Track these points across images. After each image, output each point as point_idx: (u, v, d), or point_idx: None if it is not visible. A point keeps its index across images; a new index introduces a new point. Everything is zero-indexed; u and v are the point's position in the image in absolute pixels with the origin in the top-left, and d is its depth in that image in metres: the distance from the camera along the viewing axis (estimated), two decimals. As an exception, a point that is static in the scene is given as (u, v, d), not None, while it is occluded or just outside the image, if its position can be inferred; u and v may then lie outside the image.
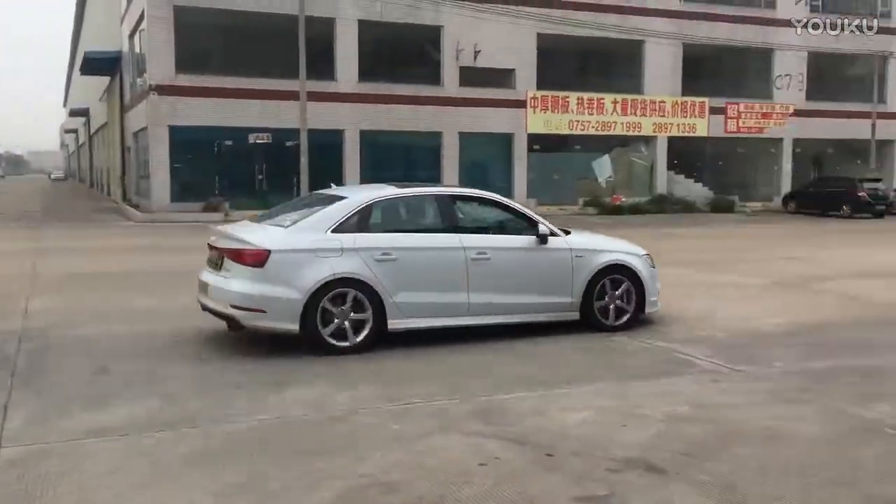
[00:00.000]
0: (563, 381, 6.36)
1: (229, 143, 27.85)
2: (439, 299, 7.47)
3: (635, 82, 32.46)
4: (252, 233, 7.51)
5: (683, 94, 32.62)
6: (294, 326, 6.93)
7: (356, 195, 7.94)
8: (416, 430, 5.08)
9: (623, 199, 30.86)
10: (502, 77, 30.33)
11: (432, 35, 29.48)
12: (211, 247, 7.57)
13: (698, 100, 32.78)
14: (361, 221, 7.43)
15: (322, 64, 26.90)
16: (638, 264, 8.32)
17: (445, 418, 5.35)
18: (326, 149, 27.24)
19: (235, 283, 7.03)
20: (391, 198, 7.93)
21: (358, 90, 28.37)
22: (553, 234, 8.00)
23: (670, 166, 33.36)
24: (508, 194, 30.12)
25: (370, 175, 26.57)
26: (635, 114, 32.02)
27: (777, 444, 4.93)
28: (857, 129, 34.09)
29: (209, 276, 7.44)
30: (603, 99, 31.47)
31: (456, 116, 29.51)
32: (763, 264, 14.48)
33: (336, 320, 7.02)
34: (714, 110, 33.06)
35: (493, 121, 30.09)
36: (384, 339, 7.22)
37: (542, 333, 7.86)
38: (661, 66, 32.35)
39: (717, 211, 31.12)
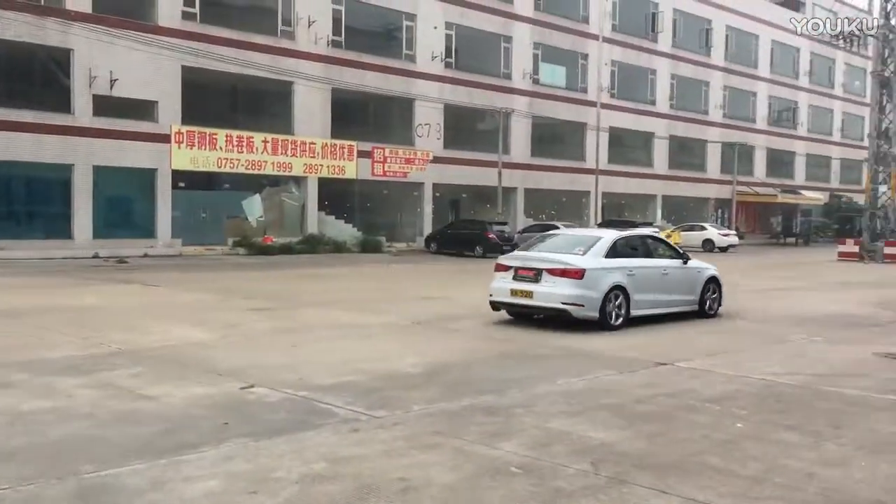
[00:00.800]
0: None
1: None
2: (651, 297, 12.42)
3: (286, 122, 32.50)
4: (563, 258, 11.76)
5: (333, 137, 33.37)
6: (595, 314, 11.52)
7: (608, 235, 12.75)
8: None
9: (274, 240, 30.53)
10: (143, 109, 28.45)
11: (61, 58, 26.74)
12: (522, 268, 11.94)
13: (347, 143, 33.76)
14: (613, 251, 12.15)
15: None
16: (719, 277, 13.78)
17: None
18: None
19: (564, 289, 11.41)
20: (623, 237, 12.90)
21: (-32, 114, 24.68)
22: (688, 259, 13.57)
23: (321, 207, 33.82)
24: (151, 233, 28.58)
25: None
26: (286, 153, 31.98)
27: (412, 495, 4.78)
28: (486, 177, 37.60)
29: (530, 286, 11.71)
30: (252, 137, 30.98)
31: (90, 148, 26.97)
32: (405, 304, 14.96)
33: (611, 311, 11.64)
34: (362, 153, 34.28)
35: (133, 155, 28.02)
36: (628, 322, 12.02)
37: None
38: (312, 107, 32.83)
39: (366, 251, 32.13)
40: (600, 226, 39.21)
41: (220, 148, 30.24)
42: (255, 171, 31.35)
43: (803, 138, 58.68)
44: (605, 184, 44.02)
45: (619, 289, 11.73)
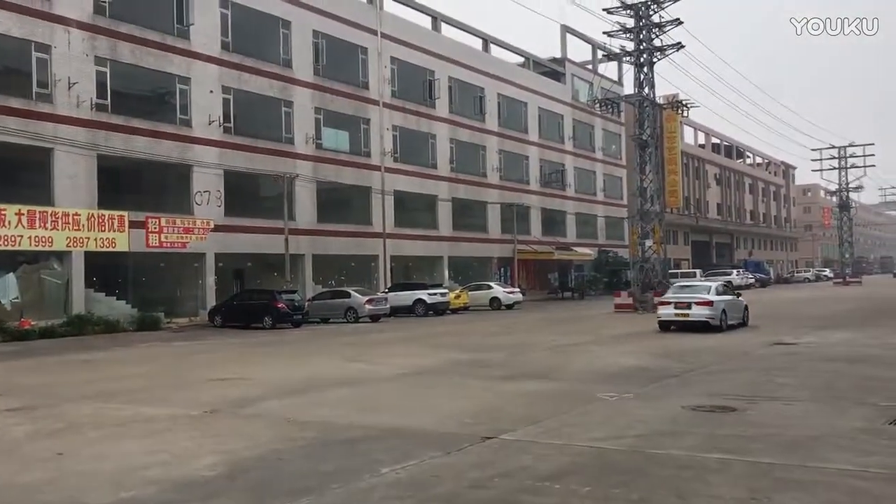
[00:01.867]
0: None
1: None
2: (732, 314, 23.61)
3: (45, 192, 29.31)
4: (701, 296, 22.95)
5: (101, 207, 30.54)
6: (718, 323, 22.43)
7: (715, 284, 25.07)
8: None
9: (33, 323, 27.12)
10: None
11: None
12: (680, 303, 22.96)
13: (117, 213, 30.99)
14: (717, 292, 23.45)
15: None
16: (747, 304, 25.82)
17: None
18: None
19: (706, 312, 22.44)
20: (719, 284, 25.27)
21: None
22: (740, 294, 26.98)
23: (89, 284, 30.63)
24: None
25: None
26: (45, 227, 28.73)
27: None
28: (272, 244, 36.15)
29: (687, 311, 22.65)
30: (5, 210, 27.56)
31: None
32: (194, 388, 13.43)
33: (722, 321, 22.75)
34: (135, 224, 31.60)
35: None
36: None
37: None
38: (75, 176, 29.93)
39: (143, 329, 29.48)
40: (390, 289, 39.06)
41: (-35, 222, 26.57)
42: (10, 248, 27.83)
43: (572, 198, 62.67)
44: (393, 247, 44.10)
45: (723, 311, 22.86)
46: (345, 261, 42.35)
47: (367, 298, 34.05)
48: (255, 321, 30.70)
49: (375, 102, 43.67)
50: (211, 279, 35.20)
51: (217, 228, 34.61)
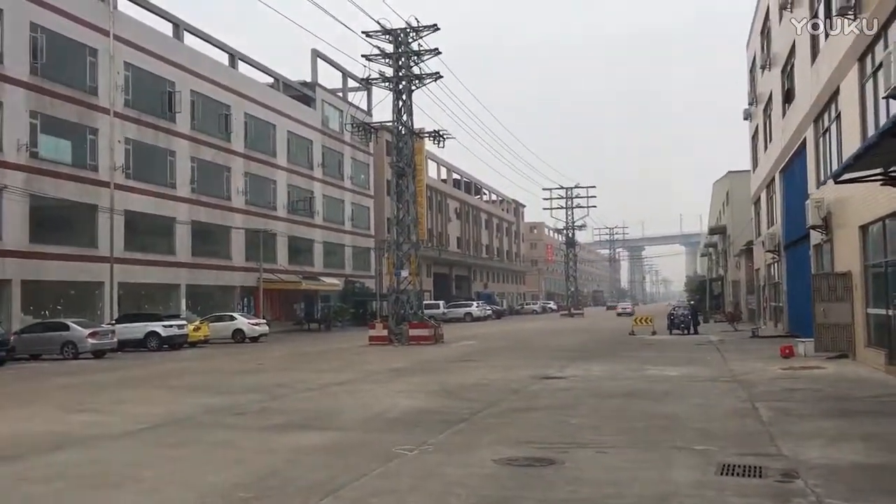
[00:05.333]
0: None
1: None
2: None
3: None
4: None
5: None
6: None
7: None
8: None
9: None
10: None
11: None
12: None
13: None
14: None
15: None
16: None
17: None
18: None
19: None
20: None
21: None
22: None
23: None
24: None
25: None
26: None
27: None
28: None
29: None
30: None
31: None
32: None
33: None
34: None
35: None
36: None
37: None
38: None
39: None
40: (118, 321, 34.64)
41: None
42: None
43: (319, 226, 60.85)
44: (122, 273, 39.39)
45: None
46: (63, 288, 36.98)
47: (89, 331, 29.71)
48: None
49: (106, 111, 38.96)
50: None
51: None
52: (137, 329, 33.55)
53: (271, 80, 57.48)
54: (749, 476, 7.88)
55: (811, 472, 7.87)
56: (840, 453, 8.81)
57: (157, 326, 33.79)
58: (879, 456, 8.64)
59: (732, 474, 7.97)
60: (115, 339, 30.86)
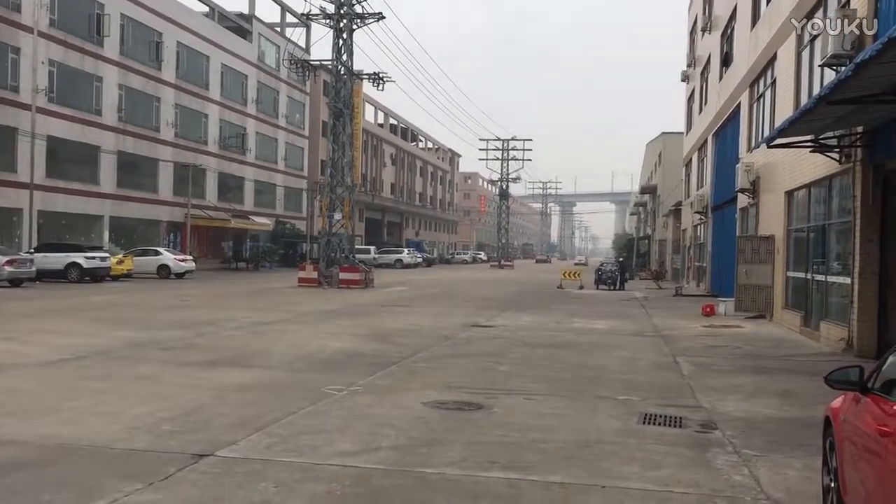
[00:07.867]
0: None
1: None
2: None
3: None
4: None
5: None
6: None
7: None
8: None
9: None
10: None
11: None
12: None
13: None
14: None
15: None
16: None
17: None
18: None
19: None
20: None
21: None
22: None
23: None
24: None
25: None
26: None
27: None
28: None
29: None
30: None
31: None
32: None
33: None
34: None
35: None
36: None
37: None
38: None
39: None
40: (37, 250, 33.43)
41: None
42: None
43: (252, 164, 59.55)
44: (43, 201, 37.94)
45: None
46: (-22, 214, 35.42)
47: (6, 259, 28.60)
48: None
49: (29, 29, 36.98)
50: None
51: None
52: (58, 259, 32.45)
53: (207, 9, 55.40)
54: (669, 426, 8.13)
55: (729, 424, 8.17)
56: (756, 407, 9.17)
57: (78, 257, 32.75)
58: (793, 411, 9.02)
59: (654, 424, 8.21)
60: (34, 269, 29.81)
